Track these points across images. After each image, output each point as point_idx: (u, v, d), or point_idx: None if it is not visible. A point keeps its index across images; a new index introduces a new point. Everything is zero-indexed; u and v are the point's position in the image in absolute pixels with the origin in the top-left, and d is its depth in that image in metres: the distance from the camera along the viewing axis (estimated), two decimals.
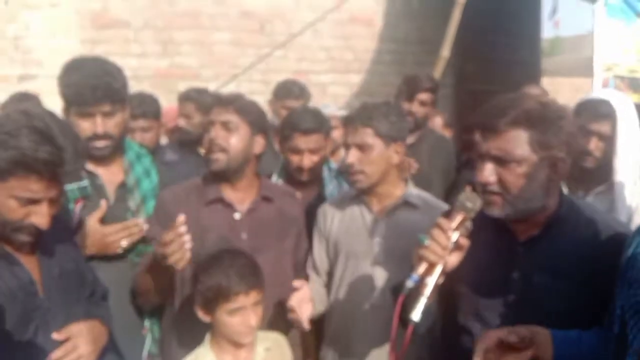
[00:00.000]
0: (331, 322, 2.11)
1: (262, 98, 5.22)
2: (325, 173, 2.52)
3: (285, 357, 1.88)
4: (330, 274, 2.13)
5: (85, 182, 1.95)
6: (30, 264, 1.48)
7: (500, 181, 1.43)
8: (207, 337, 1.77)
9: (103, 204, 1.93)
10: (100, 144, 1.94)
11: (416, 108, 3.12)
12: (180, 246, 1.63)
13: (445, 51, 4.47)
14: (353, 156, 1.95)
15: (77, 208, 1.92)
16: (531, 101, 1.44)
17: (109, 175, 2.01)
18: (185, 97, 3.48)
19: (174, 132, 3.54)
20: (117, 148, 2.01)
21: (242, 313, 1.69)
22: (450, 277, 1.45)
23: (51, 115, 1.41)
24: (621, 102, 2.15)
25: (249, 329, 1.70)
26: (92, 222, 1.90)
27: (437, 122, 4.11)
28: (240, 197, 2.00)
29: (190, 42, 5.03)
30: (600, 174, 2.16)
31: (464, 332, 1.59)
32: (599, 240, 1.46)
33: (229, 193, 1.99)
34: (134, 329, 2.01)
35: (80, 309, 1.59)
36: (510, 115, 1.40)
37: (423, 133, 3.20)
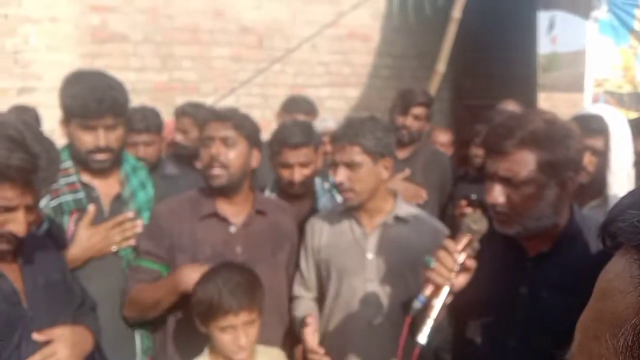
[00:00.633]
0: (326, 339, 2.08)
1: (260, 112, 5.30)
2: (318, 186, 2.53)
3: None
4: (321, 289, 2.12)
5: (80, 194, 1.96)
6: (12, 274, 1.47)
7: (509, 202, 1.42)
8: (206, 350, 1.77)
9: (91, 208, 1.93)
10: (102, 157, 1.95)
11: (410, 122, 3.13)
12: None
13: (441, 66, 4.51)
14: (342, 174, 1.94)
15: (72, 220, 1.93)
16: (537, 120, 1.42)
17: (105, 188, 2.01)
18: (182, 112, 3.49)
19: (170, 146, 3.55)
20: (115, 161, 2.02)
21: (232, 332, 1.68)
22: (459, 293, 1.45)
23: (25, 123, 1.41)
24: (614, 117, 2.17)
25: (238, 348, 1.69)
26: (82, 226, 1.91)
27: (442, 139, 4.13)
28: (235, 211, 2.01)
29: (189, 56, 5.06)
30: (593, 188, 2.17)
31: (472, 346, 1.58)
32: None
33: (223, 207, 2.00)
34: (125, 340, 2.00)
35: (66, 319, 1.58)
36: (517, 137, 1.39)
37: (418, 147, 3.21)
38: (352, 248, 2.03)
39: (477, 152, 2.98)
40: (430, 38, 5.44)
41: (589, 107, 2.77)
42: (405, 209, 2.06)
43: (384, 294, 1.97)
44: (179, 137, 3.44)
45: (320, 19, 5.49)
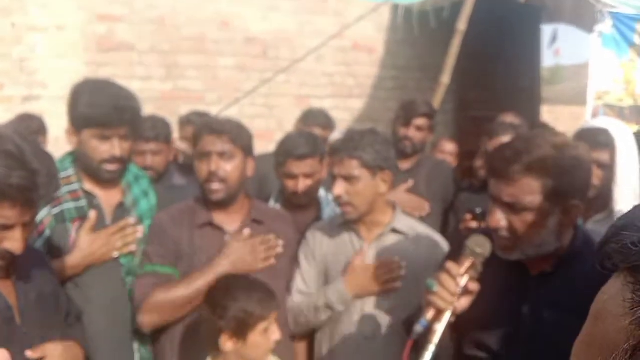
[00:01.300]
0: (324, 354, 2.06)
1: (264, 122, 5.32)
2: (323, 196, 2.52)
3: None
4: None
5: (82, 202, 1.95)
6: (6, 289, 1.45)
7: (511, 227, 1.40)
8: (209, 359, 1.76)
9: (92, 214, 1.92)
10: (114, 167, 1.95)
11: (413, 133, 3.12)
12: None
13: (445, 78, 4.52)
14: (340, 188, 1.94)
15: (74, 228, 1.92)
16: (546, 146, 1.37)
17: (107, 196, 2.01)
18: (186, 121, 3.50)
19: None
20: (123, 171, 2.02)
21: (271, 331, 1.74)
22: (461, 315, 1.43)
23: (22, 137, 1.37)
24: (620, 130, 2.17)
25: (274, 344, 1.76)
26: (84, 234, 1.89)
27: (448, 149, 4.13)
28: (230, 220, 2.02)
29: (194, 66, 5.08)
30: (599, 202, 2.16)
31: None
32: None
33: (219, 216, 2.01)
34: (123, 350, 1.98)
35: (56, 333, 1.56)
36: (524, 163, 1.35)
37: (421, 158, 3.20)
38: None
39: (481, 164, 2.97)
40: (434, 50, 5.46)
41: (594, 120, 2.77)
42: (404, 222, 2.06)
43: (382, 307, 1.96)
44: (183, 146, 3.44)
45: (325, 30, 5.51)
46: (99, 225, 1.94)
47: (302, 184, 2.37)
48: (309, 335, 2.13)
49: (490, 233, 1.45)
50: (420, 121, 3.14)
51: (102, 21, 4.72)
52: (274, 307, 1.76)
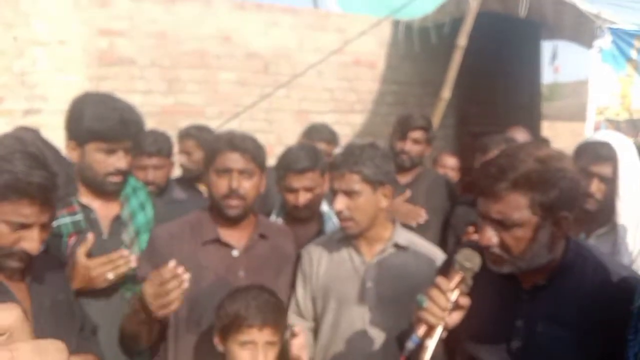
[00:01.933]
0: None
1: (264, 136, 5.29)
2: (325, 210, 2.51)
3: None
4: (316, 319, 2.06)
5: (79, 216, 1.93)
6: (20, 293, 1.44)
7: (502, 243, 1.39)
8: None
9: (90, 237, 1.88)
10: (118, 179, 1.95)
11: (409, 146, 3.10)
12: (178, 286, 1.57)
13: (446, 93, 4.52)
14: (341, 203, 1.92)
15: (70, 242, 1.89)
16: (529, 161, 1.36)
17: (104, 209, 1.99)
18: (186, 134, 3.49)
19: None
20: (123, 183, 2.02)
21: (252, 348, 1.67)
22: (453, 330, 1.42)
23: (43, 141, 1.42)
24: (622, 144, 2.15)
25: None
26: (79, 256, 1.85)
27: (450, 163, 4.12)
28: (237, 236, 1.98)
29: (195, 80, 5.10)
30: (602, 215, 2.14)
31: None
32: (606, 287, 1.41)
33: (226, 232, 1.97)
34: None
35: (71, 342, 1.53)
36: (509, 179, 1.35)
37: (420, 172, 3.18)
38: (352, 277, 2.00)
39: None
40: (435, 65, 5.48)
41: (596, 133, 2.75)
42: (404, 236, 2.04)
43: (383, 323, 1.94)
44: (182, 159, 3.43)
45: (326, 45, 5.54)
46: (96, 238, 1.90)
47: (303, 198, 2.35)
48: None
49: (480, 247, 1.44)
50: (417, 134, 3.13)
51: (103, 36, 4.74)
52: (269, 321, 1.69)
